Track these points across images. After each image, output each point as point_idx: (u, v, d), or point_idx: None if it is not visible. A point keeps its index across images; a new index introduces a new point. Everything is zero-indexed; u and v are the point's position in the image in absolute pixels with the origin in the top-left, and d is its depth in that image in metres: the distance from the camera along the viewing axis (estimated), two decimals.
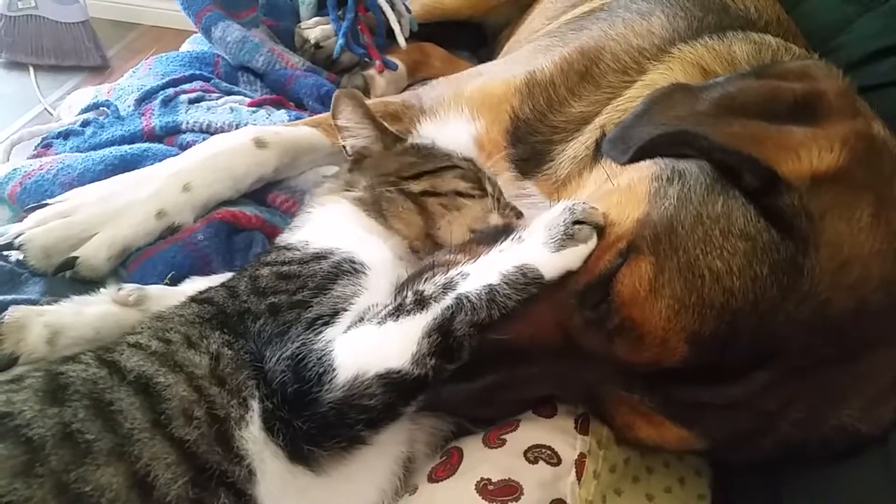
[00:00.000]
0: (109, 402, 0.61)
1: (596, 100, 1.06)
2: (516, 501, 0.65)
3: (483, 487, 0.66)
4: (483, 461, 0.70)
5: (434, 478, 0.70)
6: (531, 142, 1.09)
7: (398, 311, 0.69)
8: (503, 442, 0.71)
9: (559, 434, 0.72)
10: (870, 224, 0.64)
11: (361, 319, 0.70)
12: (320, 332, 0.69)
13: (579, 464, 0.70)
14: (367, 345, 0.67)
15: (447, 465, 0.71)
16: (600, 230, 0.73)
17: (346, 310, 0.72)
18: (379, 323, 0.68)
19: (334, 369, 0.65)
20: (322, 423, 0.65)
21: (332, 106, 1.00)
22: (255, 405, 0.66)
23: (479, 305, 0.67)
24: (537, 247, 0.72)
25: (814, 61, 0.88)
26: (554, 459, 0.69)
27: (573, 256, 0.71)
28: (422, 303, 0.69)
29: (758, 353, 0.63)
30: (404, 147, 1.01)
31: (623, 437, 0.74)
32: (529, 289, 0.69)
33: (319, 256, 0.79)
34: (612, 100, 1.04)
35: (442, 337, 0.66)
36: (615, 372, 0.69)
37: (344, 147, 1.01)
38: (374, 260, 0.79)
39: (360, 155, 1.00)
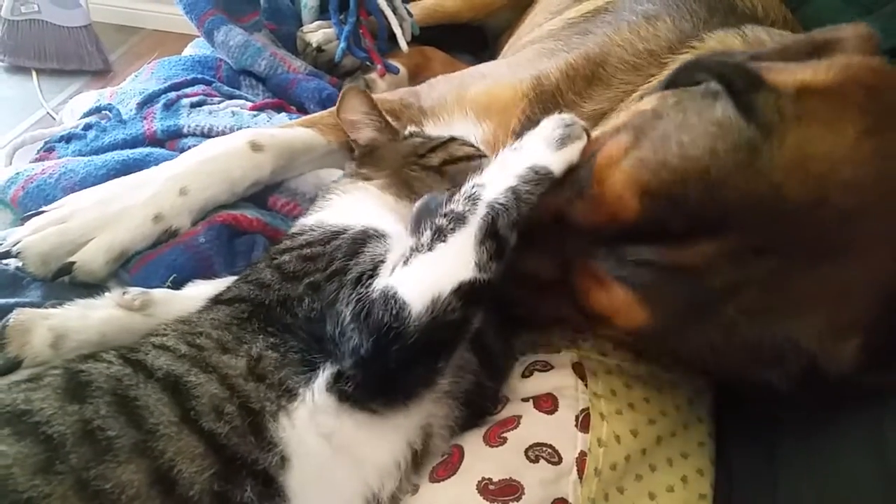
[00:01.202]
0: (134, 398, 0.62)
1: (609, 97, 1.07)
2: (517, 501, 0.66)
3: (484, 487, 0.67)
4: (484, 460, 0.70)
5: (435, 477, 0.71)
6: None
7: (441, 234, 0.72)
8: (504, 440, 0.72)
9: (560, 432, 0.73)
10: (856, 136, 0.64)
11: (404, 260, 0.72)
12: (369, 284, 0.72)
13: (580, 462, 0.70)
14: (429, 271, 0.70)
15: (448, 465, 0.71)
16: (588, 135, 0.81)
17: (383, 261, 0.75)
18: (428, 250, 0.71)
19: (406, 304, 0.68)
20: (411, 353, 0.67)
21: (339, 100, 1.03)
22: (306, 390, 0.68)
23: (510, 206, 0.72)
24: (541, 149, 0.78)
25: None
26: (555, 458, 0.70)
27: (574, 150, 0.78)
28: (460, 219, 0.72)
29: (704, 220, 0.66)
30: (405, 135, 1.06)
31: (581, 306, 0.76)
32: (544, 184, 0.75)
33: (338, 232, 0.82)
34: (632, 93, 1.05)
35: (495, 241, 0.71)
36: (586, 241, 0.73)
37: (354, 141, 1.04)
38: (392, 230, 0.83)
39: (370, 147, 1.03)
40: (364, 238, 0.80)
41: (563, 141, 0.78)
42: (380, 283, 0.71)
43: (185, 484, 0.58)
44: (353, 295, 0.71)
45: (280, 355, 0.70)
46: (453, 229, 0.72)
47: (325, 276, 0.75)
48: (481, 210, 0.72)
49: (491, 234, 0.71)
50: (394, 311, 0.68)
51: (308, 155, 1.19)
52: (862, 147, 0.64)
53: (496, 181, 0.75)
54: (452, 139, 1.03)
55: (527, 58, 1.25)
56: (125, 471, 0.57)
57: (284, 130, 1.19)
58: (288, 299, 0.75)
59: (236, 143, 1.11)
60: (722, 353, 0.70)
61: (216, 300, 0.80)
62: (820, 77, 0.67)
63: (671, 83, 0.81)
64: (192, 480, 0.58)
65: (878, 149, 0.64)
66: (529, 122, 1.10)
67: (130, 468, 0.57)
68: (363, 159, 1.02)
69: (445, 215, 0.73)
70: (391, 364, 0.67)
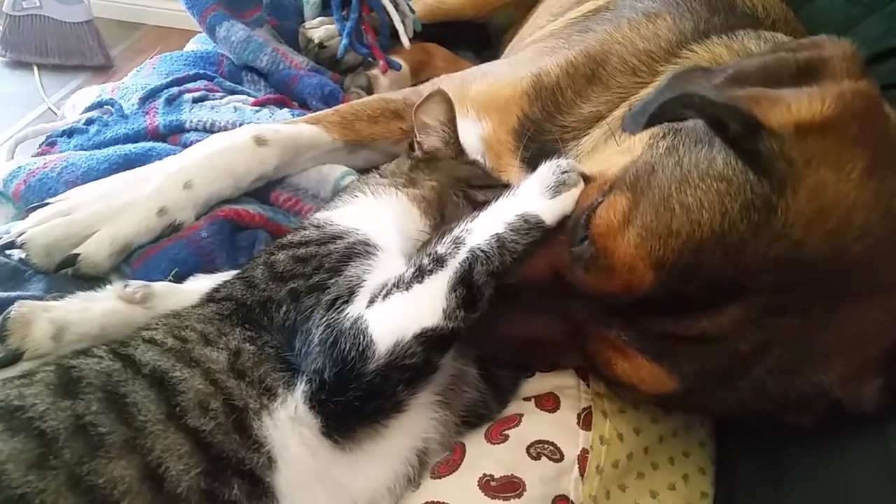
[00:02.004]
0: (123, 394, 0.62)
1: (607, 100, 1.06)
2: (519, 498, 0.66)
3: (486, 484, 0.67)
4: (485, 457, 0.70)
5: (437, 474, 0.70)
6: (541, 140, 1.09)
7: (420, 274, 0.71)
8: (505, 438, 0.72)
9: (561, 429, 0.73)
10: (860, 177, 0.63)
11: (384, 292, 0.71)
12: (342, 310, 0.71)
13: (582, 459, 0.70)
14: (400, 311, 0.69)
15: (450, 462, 0.71)
16: (586, 178, 0.79)
17: (360, 287, 0.74)
18: (406, 289, 0.70)
19: (373, 342, 0.67)
20: (367, 390, 0.67)
21: (422, 102, 1.02)
22: (286, 392, 0.67)
23: (491, 254, 0.71)
24: (534, 196, 0.77)
25: (827, 35, 0.84)
26: (556, 455, 0.70)
27: (568, 199, 0.77)
28: (440, 261, 0.71)
29: (724, 286, 0.64)
30: (467, 159, 1.03)
31: (605, 376, 0.75)
32: (533, 233, 0.73)
33: (337, 237, 0.81)
34: (625, 100, 1.04)
35: (466, 289, 0.69)
36: (596, 309, 0.71)
37: (418, 143, 1.02)
38: (388, 247, 0.81)
39: (432, 155, 1.01)
40: (350, 254, 0.78)
41: (558, 188, 0.76)
42: (353, 312, 0.70)
43: (172, 481, 0.58)
44: (325, 319, 0.70)
45: (257, 348, 0.70)
46: (431, 271, 0.70)
47: (306, 286, 0.74)
48: (462, 255, 0.71)
49: (465, 281, 0.69)
50: (361, 348, 0.67)
51: (312, 151, 1.19)
52: (868, 187, 0.63)
53: (484, 227, 0.74)
54: (508, 186, 1.02)
55: (528, 56, 1.25)
56: (117, 466, 0.57)
57: (289, 126, 1.19)
58: (269, 301, 0.75)
59: (241, 138, 1.11)
60: (749, 407, 0.70)
61: (209, 298, 0.80)
62: (816, 110, 0.65)
63: (655, 117, 0.78)
64: (179, 478, 0.59)
65: (881, 187, 0.64)
66: (528, 121, 1.10)
67: (122, 464, 0.57)
68: (419, 164, 1.00)
69: (429, 255, 0.72)
70: (351, 397, 0.67)
